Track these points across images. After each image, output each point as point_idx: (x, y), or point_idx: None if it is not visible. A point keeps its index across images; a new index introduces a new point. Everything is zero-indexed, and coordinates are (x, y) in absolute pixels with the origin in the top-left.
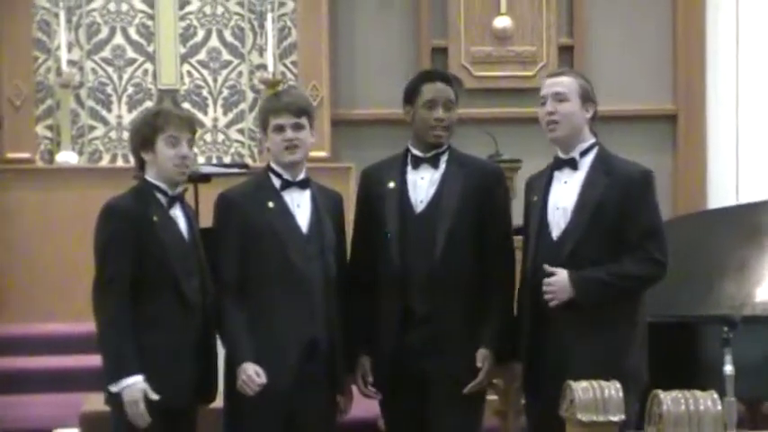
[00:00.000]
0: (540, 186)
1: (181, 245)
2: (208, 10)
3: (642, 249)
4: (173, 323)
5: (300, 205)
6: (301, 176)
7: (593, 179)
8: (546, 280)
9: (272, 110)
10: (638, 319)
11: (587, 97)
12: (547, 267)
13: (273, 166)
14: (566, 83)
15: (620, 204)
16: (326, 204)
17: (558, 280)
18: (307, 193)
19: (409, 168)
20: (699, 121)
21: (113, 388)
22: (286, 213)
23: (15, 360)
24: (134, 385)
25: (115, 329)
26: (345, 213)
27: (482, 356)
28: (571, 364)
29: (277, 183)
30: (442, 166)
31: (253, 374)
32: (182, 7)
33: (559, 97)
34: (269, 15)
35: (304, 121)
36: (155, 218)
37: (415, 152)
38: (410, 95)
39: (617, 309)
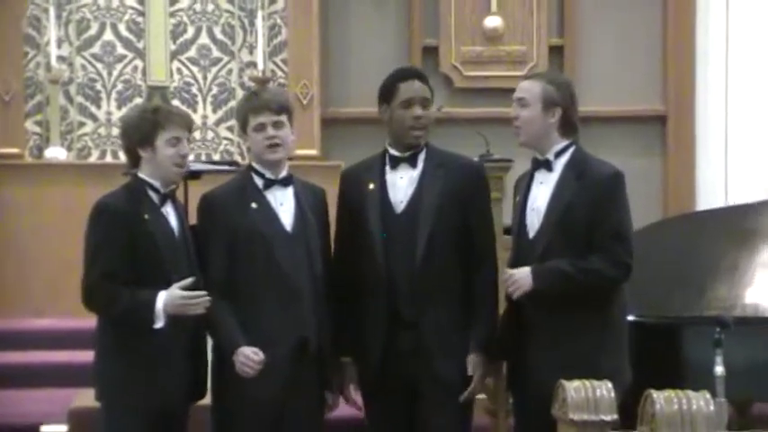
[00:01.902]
0: (523, 187)
1: (172, 243)
2: (198, 7)
3: (608, 251)
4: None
5: (284, 203)
6: (283, 174)
7: (564, 181)
8: (507, 271)
9: (251, 108)
10: (615, 322)
11: (551, 102)
12: (507, 271)
13: (255, 165)
14: (527, 88)
15: (590, 206)
16: (310, 200)
17: (520, 271)
18: (290, 191)
19: (388, 169)
20: (688, 122)
21: (159, 323)
22: (269, 213)
23: (4, 355)
24: (167, 300)
25: (118, 299)
26: (332, 209)
27: (473, 364)
28: (548, 366)
29: (260, 182)
30: (420, 164)
31: (250, 354)
32: (172, 4)
33: (521, 103)
34: (259, 13)
35: (284, 118)
36: (146, 216)
37: (393, 152)
38: (386, 95)
39: (591, 312)
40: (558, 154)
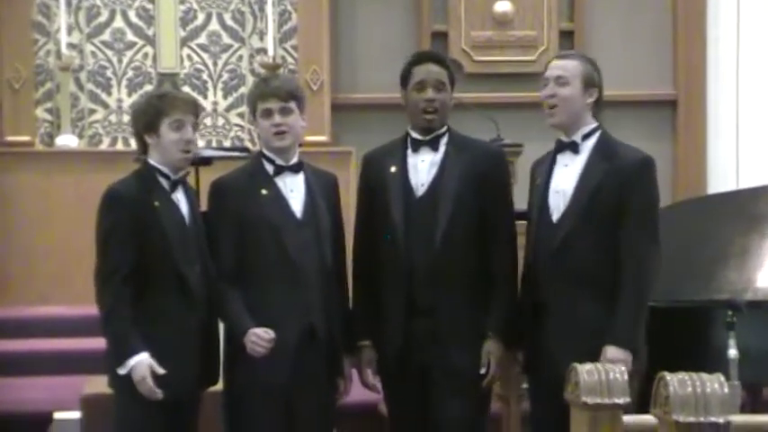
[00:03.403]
0: (543, 170)
1: (182, 231)
2: None
3: (637, 238)
4: (175, 310)
5: (294, 190)
6: (294, 160)
7: (593, 163)
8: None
9: (259, 95)
10: None
11: (590, 82)
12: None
13: (265, 151)
14: (568, 66)
15: (619, 190)
16: (320, 187)
17: (612, 357)
18: (300, 178)
19: (409, 152)
20: (699, 106)
21: (121, 371)
22: (280, 200)
23: (15, 343)
24: (139, 363)
25: (115, 316)
26: (344, 195)
27: (489, 349)
28: (566, 347)
29: (270, 168)
30: (442, 148)
31: (261, 332)
32: None
33: (560, 81)
34: None
35: (292, 105)
36: (156, 203)
37: (415, 135)
38: (403, 79)
39: (609, 292)
40: (586, 137)
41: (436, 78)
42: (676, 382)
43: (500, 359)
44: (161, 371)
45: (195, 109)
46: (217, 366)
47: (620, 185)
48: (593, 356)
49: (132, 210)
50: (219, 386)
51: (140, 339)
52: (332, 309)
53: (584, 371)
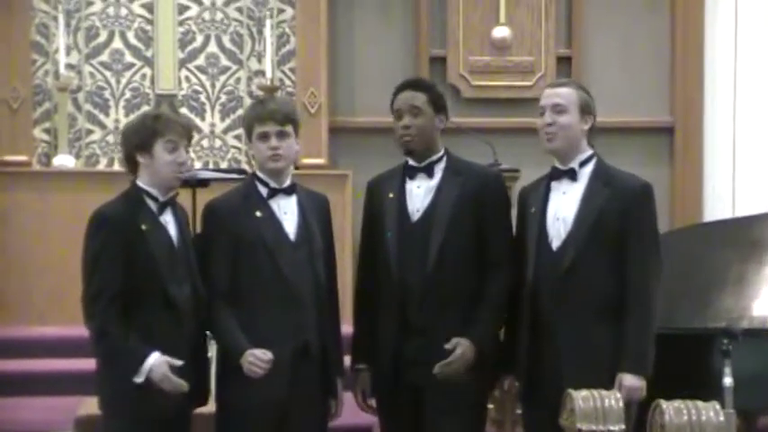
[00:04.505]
0: (538, 197)
1: (170, 252)
2: (207, 16)
3: (642, 264)
4: (163, 332)
5: (287, 212)
6: (287, 183)
7: (593, 190)
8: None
9: (256, 117)
10: None
11: (586, 109)
12: None
13: (259, 173)
14: (565, 94)
15: (621, 215)
16: (313, 209)
17: (629, 386)
18: (293, 200)
19: (407, 179)
20: (696, 133)
21: (139, 379)
22: (274, 222)
23: (10, 363)
24: (156, 363)
25: (108, 334)
26: (340, 218)
27: (458, 343)
28: (568, 373)
29: (264, 191)
30: (438, 174)
31: (259, 353)
32: (181, 12)
33: (558, 108)
34: (268, 22)
35: (289, 129)
36: (143, 226)
37: (411, 162)
38: (391, 108)
39: (611, 320)
40: (583, 163)
41: (410, 104)
42: (672, 410)
43: (464, 355)
44: (178, 362)
45: (189, 132)
46: (206, 386)
47: (621, 211)
48: (608, 381)
49: (119, 233)
50: (209, 408)
51: (142, 342)
52: (326, 328)
53: (580, 397)
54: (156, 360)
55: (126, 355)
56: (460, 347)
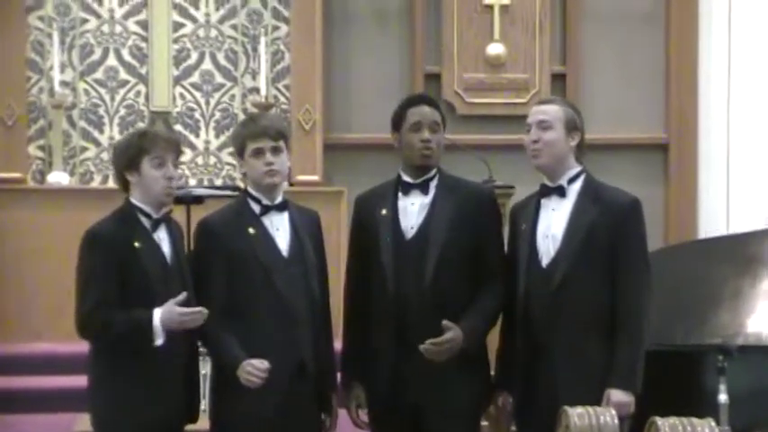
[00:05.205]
0: (528, 214)
1: (164, 270)
2: (201, 33)
3: (632, 279)
4: (157, 347)
5: (280, 228)
6: (279, 199)
7: (582, 206)
8: None
9: (249, 134)
10: None
11: (572, 126)
12: None
13: (251, 191)
14: (550, 111)
15: (610, 231)
16: (304, 224)
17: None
18: (285, 216)
19: (400, 195)
20: (690, 150)
21: (160, 341)
22: (267, 238)
23: (6, 380)
24: (164, 314)
25: (109, 327)
26: (334, 234)
27: (449, 324)
28: (563, 390)
29: (256, 208)
30: (432, 191)
31: (256, 362)
32: (175, 30)
33: (543, 125)
34: (262, 39)
35: (282, 144)
36: (136, 244)
37: (405, 178)
38: (396, 122)
39: (605, 337)
40: (571, 180)
41: (432, 119)
42: (668, 427)
43: (455, 341)
44: (182, 296)
45: (176, 147)
46: (197, 403)
47: (610, 227)
48: (587, 396)
49: (112, 250)
50: (201, 425)
51: (140, 310)
52: (320, 344)
53: (575, 414)
54: (161, 314)
55: (134, 332)
56: (453, 331)
